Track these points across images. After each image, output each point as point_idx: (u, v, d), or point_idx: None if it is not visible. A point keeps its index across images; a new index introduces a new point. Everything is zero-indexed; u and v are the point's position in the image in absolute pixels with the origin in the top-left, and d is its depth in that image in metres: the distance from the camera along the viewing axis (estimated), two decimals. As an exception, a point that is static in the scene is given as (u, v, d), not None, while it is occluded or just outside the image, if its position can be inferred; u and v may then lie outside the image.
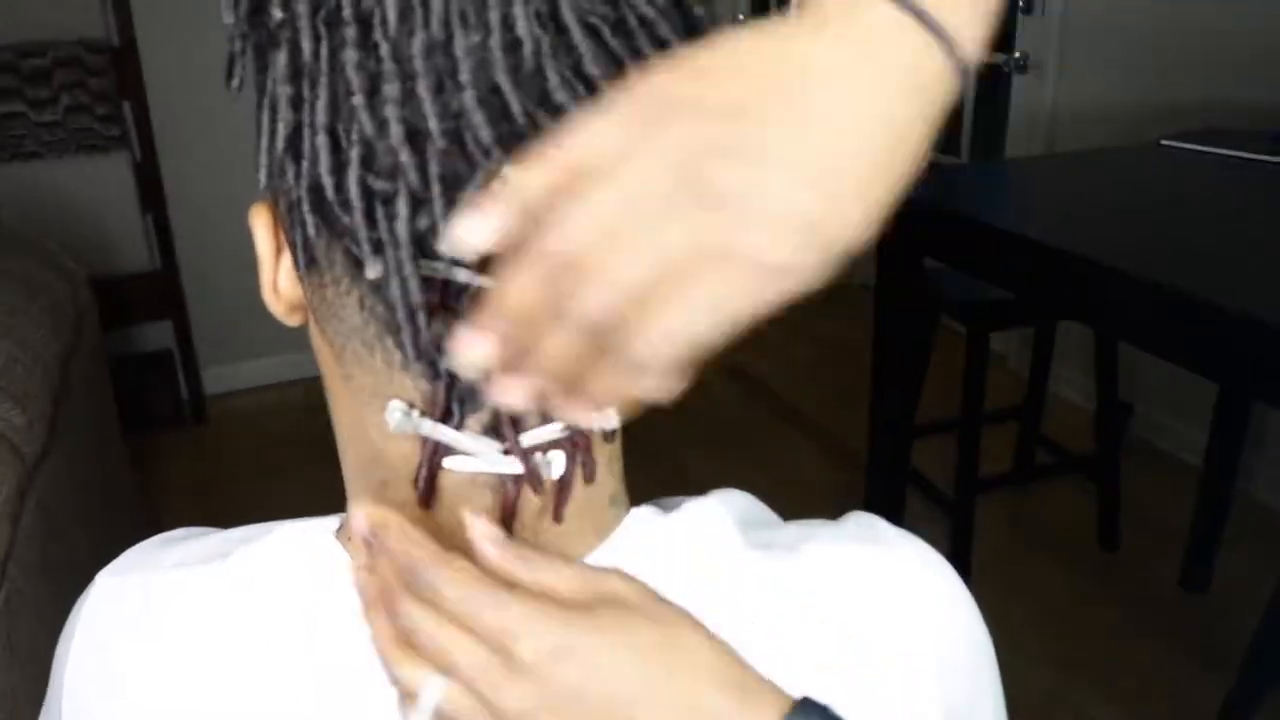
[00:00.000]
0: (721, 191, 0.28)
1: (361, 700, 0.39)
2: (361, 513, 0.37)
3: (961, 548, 2.09)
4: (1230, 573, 2.14)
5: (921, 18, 0.29)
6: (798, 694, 0.36)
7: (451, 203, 0.34)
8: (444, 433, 0.38)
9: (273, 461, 2.64)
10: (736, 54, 0.29)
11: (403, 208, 0.35)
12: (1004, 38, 3.04)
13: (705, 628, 0.37)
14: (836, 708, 0.36)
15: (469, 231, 0.30)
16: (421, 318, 0.36)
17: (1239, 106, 2.29)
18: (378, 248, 0.36)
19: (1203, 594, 2.13)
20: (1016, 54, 2.93)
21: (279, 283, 0.41)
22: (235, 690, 0.41)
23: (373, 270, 0.36)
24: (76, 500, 1.58)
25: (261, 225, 0.41)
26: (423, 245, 0.35)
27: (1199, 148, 1.93)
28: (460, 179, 0.34)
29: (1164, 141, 1.98)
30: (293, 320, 0.42)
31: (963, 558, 2.09)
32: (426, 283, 0.36)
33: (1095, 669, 1.93)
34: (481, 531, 0.37)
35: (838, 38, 0.29)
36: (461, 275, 0.35)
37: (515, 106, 0.34)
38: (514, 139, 0.34)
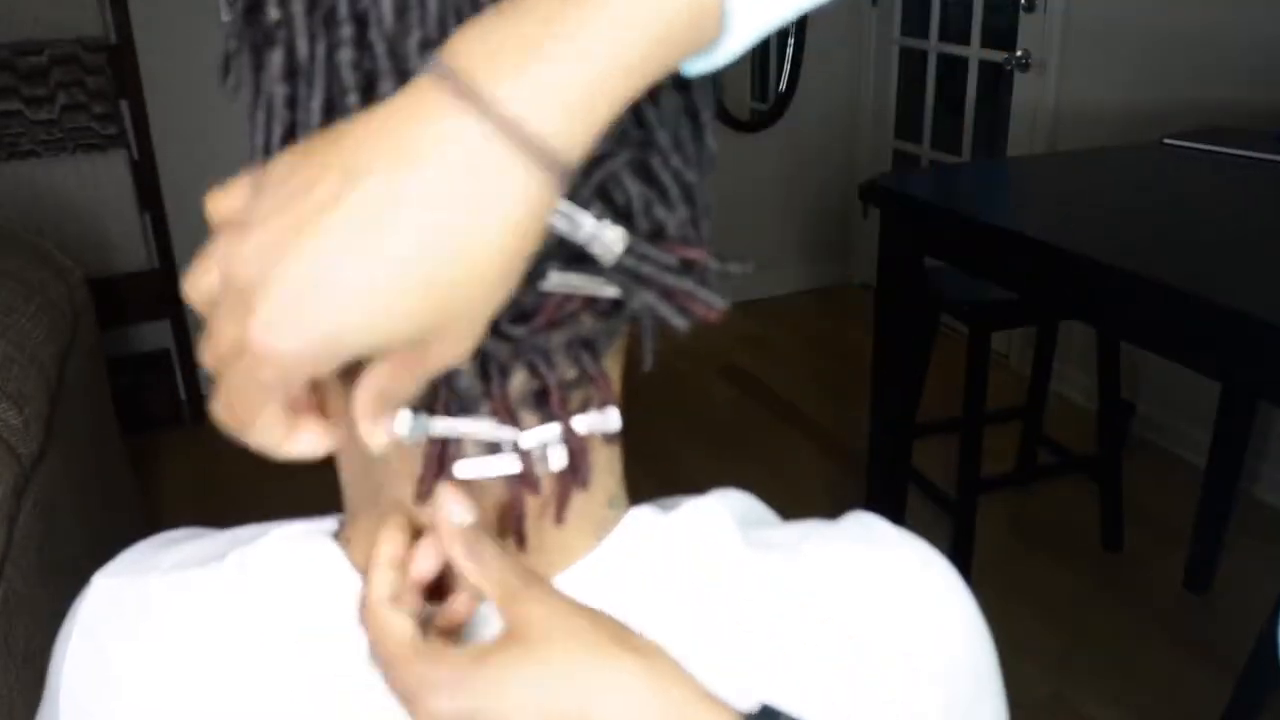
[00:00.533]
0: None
1: (358, 703, 0.39)
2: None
3: (963, 548, 2.09)
4: (1233, 573, 2.13)
5: (504, 127, 0.27)
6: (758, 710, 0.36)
7: None
8: (463, 425, 0.37)
9: (271, 461, 2.63)
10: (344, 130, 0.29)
11: None
12: (1006, 35, 3.03)
13: (654, 674, 0.34)
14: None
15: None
16: None
17: (1242, 105, 2.29)
18: None
19: (1206, 594, 2.12)
20: (1018, 52, 2.93)
21: None
22: (232, 693, 0.40)
23: None
24: (74, 501, 1.57)
25: None
26: None
27: (1202, 147, 1.92)
28: None
29: (1167, 140, 1.98)
30: None
31: (964, 558, 2.08)
32: None
33: (1097, 669, 1.93)
34: (447, 505, 0.37)
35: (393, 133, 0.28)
36: None
37: None
38: None
